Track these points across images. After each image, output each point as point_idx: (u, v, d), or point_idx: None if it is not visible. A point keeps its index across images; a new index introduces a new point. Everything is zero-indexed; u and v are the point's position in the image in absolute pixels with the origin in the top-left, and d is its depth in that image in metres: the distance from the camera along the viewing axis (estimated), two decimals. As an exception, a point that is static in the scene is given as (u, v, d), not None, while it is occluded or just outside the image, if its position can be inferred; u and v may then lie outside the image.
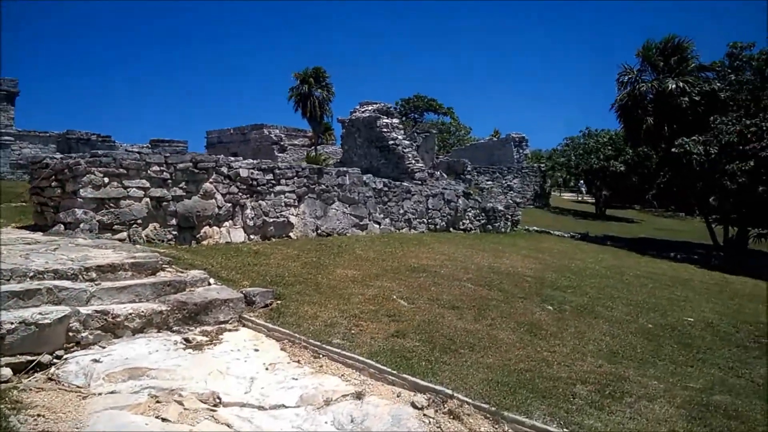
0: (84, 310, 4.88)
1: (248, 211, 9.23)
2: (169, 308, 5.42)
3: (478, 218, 16.53)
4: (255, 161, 9.52)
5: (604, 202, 34.33)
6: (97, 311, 4.94)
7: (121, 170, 7.69)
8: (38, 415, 3.61)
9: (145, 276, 5.82)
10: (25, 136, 30.15)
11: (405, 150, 15.73)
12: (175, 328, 5.43)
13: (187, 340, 5.31)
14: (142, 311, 5.21)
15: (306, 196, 10.32)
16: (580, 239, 18.74)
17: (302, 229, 10.24)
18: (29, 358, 4.45)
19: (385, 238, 11.24)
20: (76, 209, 7.28)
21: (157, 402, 4.09)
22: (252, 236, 9.31)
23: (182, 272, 6.27)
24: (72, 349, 4.76)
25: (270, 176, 9.55)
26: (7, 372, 4.27)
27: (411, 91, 73.72)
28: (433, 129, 28.56)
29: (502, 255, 11.05)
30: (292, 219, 10.01)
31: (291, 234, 10.02)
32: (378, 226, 12.37)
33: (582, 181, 40.26)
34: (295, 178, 10.04)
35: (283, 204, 9.74)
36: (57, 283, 5.01)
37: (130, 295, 5.39)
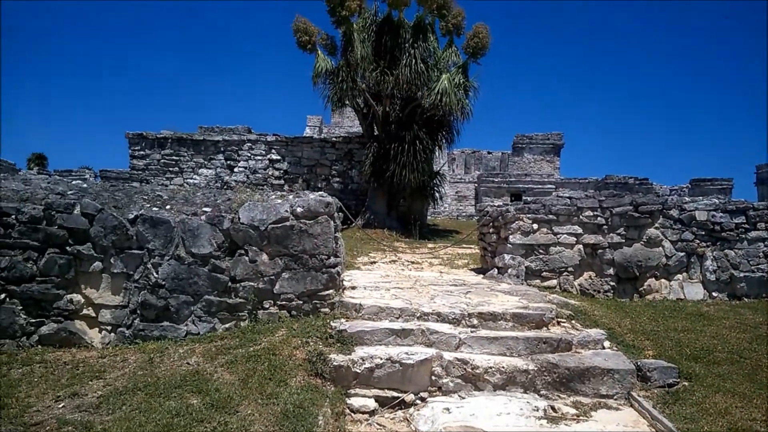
0: (447, 355, 4.99)
1: (708, 262, 7.53)
2: (536, 368, 4.95)
3: None
4: (717, 201, 7.71)
5: None
6: (458, 359, 4.97)
7: (551, 216, 7.58)
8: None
9: (526, 329, 5.52)
10: (566, 184, 33.50)
11: None
12: (542, 392, 4.91)
13: (553, 408, 4.71)
14: (503, 366, 4.93)
15: (804, 245, 7.66)
16: None
17: (799, 288, 7.62)
18: (395, 394, 4.83)
19: None
20: (506, 255, 7.58)
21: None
22: (715, 293, 7.54)
23: (575, 330, 5.65)
24: (434, 393, 4.90)
25: (741, 219, 7.55)
26: (372, 403, 4.75)
27: None
28: None
29: None
30: (780, 275, 7.58)
31: (779, 294, 7.61)
32: None
33: None
34: (782, 220, 7.61)
35: (761, 255, 7.51)
36: (431, 325, 5.32)
37: (501, 347, 5.20)
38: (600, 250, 7.59)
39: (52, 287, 5.27)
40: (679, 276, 7.64)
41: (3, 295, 5.18)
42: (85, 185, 6.20)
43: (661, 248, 7.61)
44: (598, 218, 7.57)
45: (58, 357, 4.89)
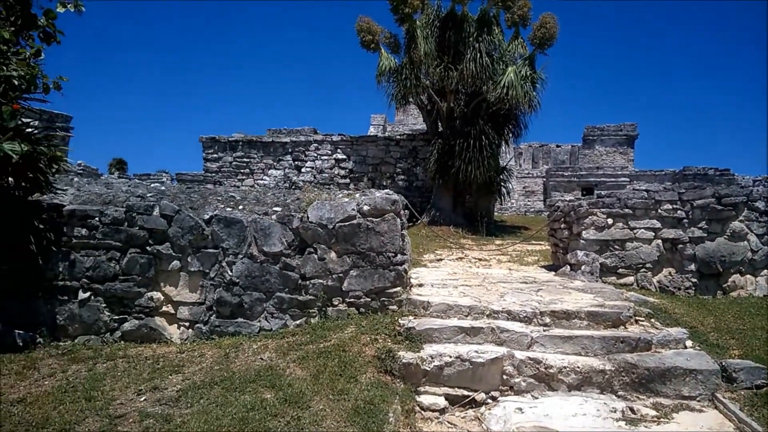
0: (519, 354, 4.88)
1: (799, 256, 7.01)
2: (613, 368, 4.76)
3: None
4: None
5: None
6: (530, 358, 4.85)
7: (627, 210, 7.25)
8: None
9: (602, 328, 5.31)
10: (641, 176, 32.09)
11: None
12: (620, 393, 4.72)
13: (631, 410, 4.53)
14: (578, 366, 4.77)
15: None
16: None
17: None
18: (464, 393, 4.77)
19: None
20: (578, 251, 7.33)
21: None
22: (808, 290, 7.01)
23: (655, 329, 5.38)
24: (506, 393, 4.80)
25: (840, 210, 6.97)
26: (442, 401, 4.70)
27: None
28: None
29: None
30: None
31: None
32: None
33: None
34: None
35: None
36: (501, 323, 5.21)
37: (576, 346, 5.03)
38: (680, 245, 7.20)
39: (134, 285, 5.53)
40: (766, 271, 7.15)
41: (88, 294, 5.49)
42: (162, 188, 6.48)
43: (746, 242, 7.14)
44: (678, 212, 7.19)
45: (139, 352, 5.13)
